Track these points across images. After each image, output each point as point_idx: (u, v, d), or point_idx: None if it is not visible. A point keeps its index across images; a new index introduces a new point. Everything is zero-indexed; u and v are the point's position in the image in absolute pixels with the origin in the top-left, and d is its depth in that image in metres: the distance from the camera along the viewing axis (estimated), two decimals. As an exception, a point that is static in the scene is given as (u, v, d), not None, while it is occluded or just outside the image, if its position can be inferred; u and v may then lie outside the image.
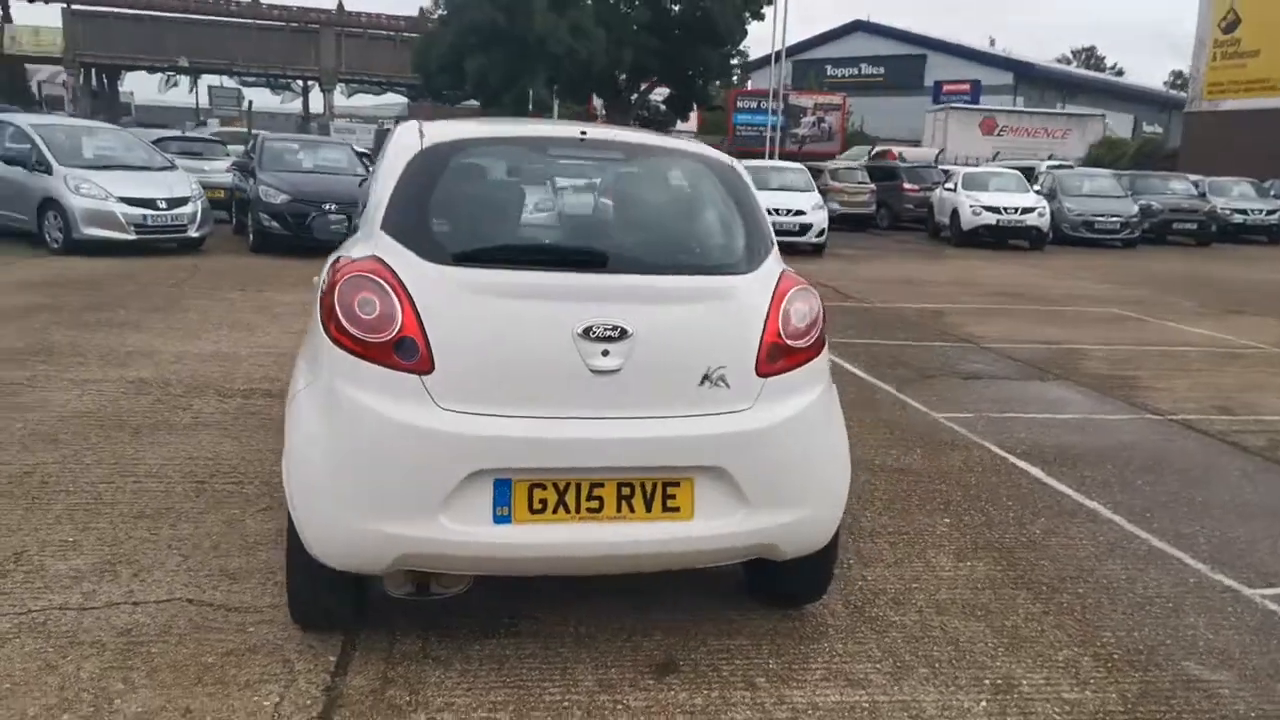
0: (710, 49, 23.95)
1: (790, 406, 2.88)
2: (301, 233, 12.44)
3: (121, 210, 11.44)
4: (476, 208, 2.96)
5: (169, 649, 2.88)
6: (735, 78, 37.53)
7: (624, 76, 24.78)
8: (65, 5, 46.69)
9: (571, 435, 2.66)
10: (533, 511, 2.67)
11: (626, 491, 2.72)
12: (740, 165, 3.22)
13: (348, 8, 48.19)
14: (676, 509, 2.76)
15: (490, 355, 2.66)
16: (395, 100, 55.48)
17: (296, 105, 51.29)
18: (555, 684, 2.82)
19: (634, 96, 26.26)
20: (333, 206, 12.40)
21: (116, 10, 46.76)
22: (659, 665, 2.95)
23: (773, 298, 2.90)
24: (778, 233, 3.32)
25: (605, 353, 2.67)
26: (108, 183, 11.56)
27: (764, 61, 35.98)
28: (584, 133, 3.11)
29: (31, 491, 4.05)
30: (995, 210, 19.06)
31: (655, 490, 2.74)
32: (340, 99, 50.05)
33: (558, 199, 3.26)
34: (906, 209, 23.34)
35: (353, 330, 2.65)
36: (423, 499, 2.60)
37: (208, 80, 49.82)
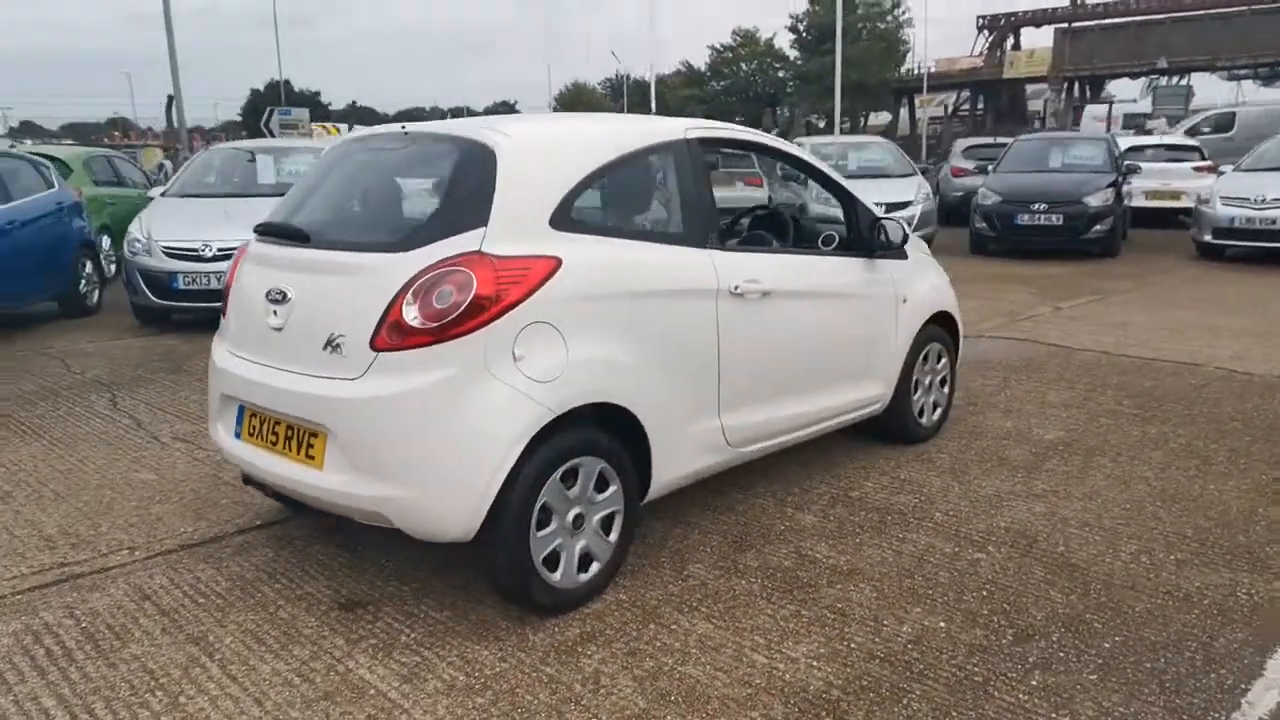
0: None
1: (401, 384, 2.90)
2: (1005, 235, 12.26)
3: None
4: (291, 193, 3.64)
5: (215, 493, 4.38)
6: None
7: None
8: (1065, 26, 49.90)
9: (255, 378, 3.27)
10: (249, 434, 3.37)
11: (289, 433, 3.20)
12: (499, 144, 3.10)
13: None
14: (313, 457, 3.11)
15: (237, 308, 3.46)
16: None
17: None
18: (281, 584, 3.43)
19: None
20: (1043, 206, 11.90)
21: (1101, 23, 48.12)
22: (346, 602, 3.29)
23: (411, 278, 2.93)
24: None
25: (275, 313, 3.21)
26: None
27: None
28: (404, 128, 3.47)
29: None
30: None
31: (303, 437, 3.15)
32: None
33: (334, 185, 3.61)
34: None
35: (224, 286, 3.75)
36: (211, 411, 3.58)
37: (1194, 79, 47.45)
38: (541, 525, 3.06)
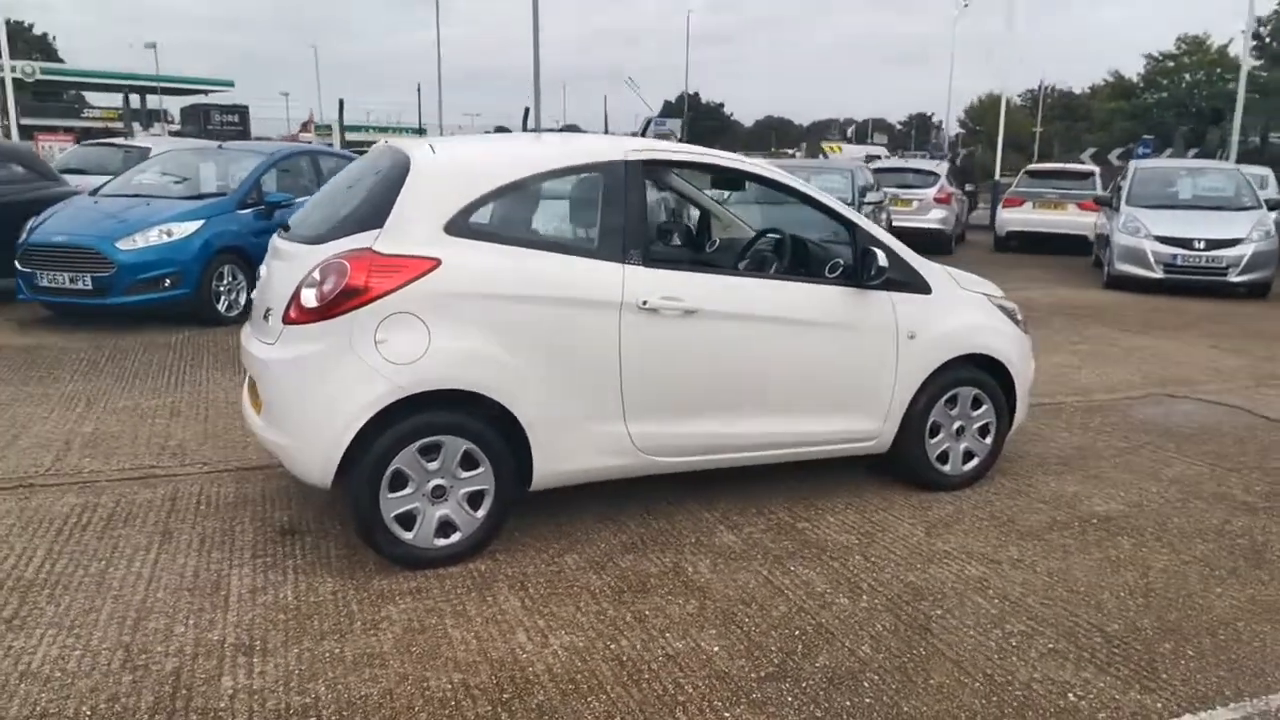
0: None
1: (292, 352, 3.55)
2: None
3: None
4: (319, 192, 4.38)
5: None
6: None
7: None
8: None
9: (244, 344, 4.08)
10: (248, 389, 4.21)
11: (255, 387, 3.98)
12: (416, 158, 3.63)
13: None
14: (259, 408, 3.86)
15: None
16: None
17: None
18: (262, 507, 4.25)
19: None
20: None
21: None
22: (289, 528, 4.01)
23: (313, 266, 3.55)
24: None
25: (258, 289, 4.01)
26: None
27: None
28: (387, 141, 4.07)
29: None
30: None
31: (257, 391, 3.91)
32: None
33: (334, 187, 4.18)
34: None
35: None
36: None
37: None
38: (396, 488, 3.55)
